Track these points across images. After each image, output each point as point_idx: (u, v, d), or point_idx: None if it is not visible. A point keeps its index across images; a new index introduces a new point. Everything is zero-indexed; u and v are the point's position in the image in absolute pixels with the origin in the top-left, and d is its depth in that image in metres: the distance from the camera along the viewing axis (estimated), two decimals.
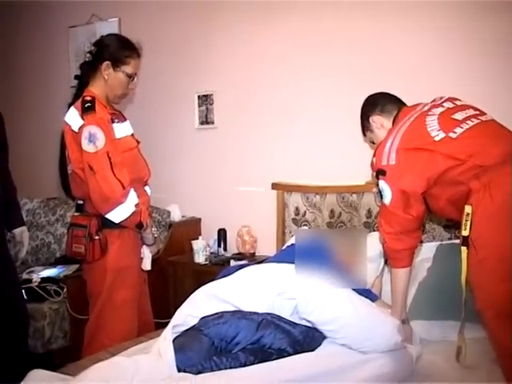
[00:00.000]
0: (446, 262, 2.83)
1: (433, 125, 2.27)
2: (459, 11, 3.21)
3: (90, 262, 2.76)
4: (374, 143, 2.67)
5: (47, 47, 5.18)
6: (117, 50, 2.79)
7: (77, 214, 2.89)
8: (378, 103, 2.63)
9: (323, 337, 2.27)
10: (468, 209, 2.12)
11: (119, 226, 2.73)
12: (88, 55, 2.85)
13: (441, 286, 2.70)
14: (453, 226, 3.12)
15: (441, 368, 2.25)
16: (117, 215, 2.68)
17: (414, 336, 2.43)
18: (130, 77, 2.83)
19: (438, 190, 2.27)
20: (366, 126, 2.68)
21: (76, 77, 2.89)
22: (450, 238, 3.18)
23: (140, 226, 2.77)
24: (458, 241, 3.04)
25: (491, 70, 3.14)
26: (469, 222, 2.11)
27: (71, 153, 2.74)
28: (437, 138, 2.22)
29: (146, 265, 2.94)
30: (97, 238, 2.72)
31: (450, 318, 2.50)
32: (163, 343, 2.13)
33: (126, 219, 2.70)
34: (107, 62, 2.76)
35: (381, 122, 2.59)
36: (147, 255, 2.93)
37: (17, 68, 5.48)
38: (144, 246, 2.91)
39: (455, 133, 2.21)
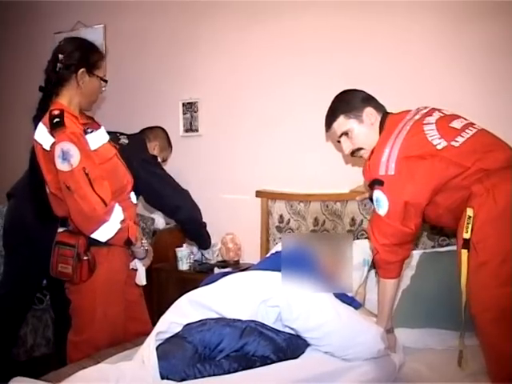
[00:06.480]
0: (429, 270, 2.85)
1: (432, 134, 2.24)
2: (450, 16, 3.22)
3: (77, 283, 2.58)
4: (339, 142, 2.52)
5: (32, 53, 5.14)
6: (89, 55, 2.61)
7: (61, 230, 2.68)
8: (371, 98, 2.52)
9: (306, 344, 2.27)
10: (470, 211, 2.11)
11: (107, 243, 2.57)
12: (59, 65, 2.56)
13: (424, 294, 2.71)
14: (437, 233, 3.14)
15: (423, 376, 2.25)
16: (102, 234, 2.51)
17: (398, 344, 2.43)
18: (103, 80, 2.68)
19: (441, 197, 2.24)
20: (354, 116, 2.46)
21: (41, 88, 2.64)
22: (433, 247, 3.20)
23: (129, 242, 2.62)
24: (441, 249, 3.08)
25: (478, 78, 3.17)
26: (470, 225, 2.10)
27: (46, 173, 2.54)
28: (439, 147, 2.20)
29: (141, 279, 2.80)
30: (85, 258, 2.54)
31: (433, 326, 2.52)
32: (146, 350, 2.11)
33: (112, 237, 2.53)
34: (82, 69, 2.57)
35: (375, 118, 2.45)
36: (140, 270, 2.78)
37: (0, 74, 5.46)
38: (136, 260, 2.76)
39: (457, 141, 2.20)
